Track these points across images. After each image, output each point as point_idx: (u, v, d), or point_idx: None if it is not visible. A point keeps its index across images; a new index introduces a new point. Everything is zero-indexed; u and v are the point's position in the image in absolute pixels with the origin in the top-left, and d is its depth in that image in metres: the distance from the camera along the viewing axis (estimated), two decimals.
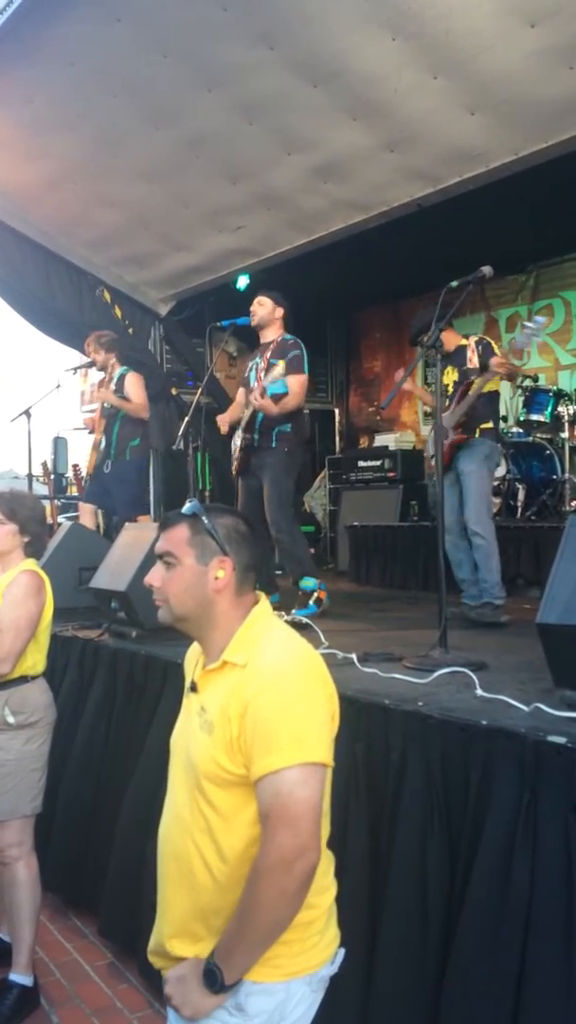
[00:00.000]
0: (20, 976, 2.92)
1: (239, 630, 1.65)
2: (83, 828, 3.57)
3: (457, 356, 4.76)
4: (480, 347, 4.69)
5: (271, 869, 1.42)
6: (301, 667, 1.58)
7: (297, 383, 4.64)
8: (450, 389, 4.79)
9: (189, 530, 1.69)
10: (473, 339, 4.78)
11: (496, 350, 4.66)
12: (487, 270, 3.41)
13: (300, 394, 4.65)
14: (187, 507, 1.72)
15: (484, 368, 4.58)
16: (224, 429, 4.93)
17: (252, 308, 4.86)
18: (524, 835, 1.95)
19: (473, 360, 4.68)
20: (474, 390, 4.56)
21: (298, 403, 4.65)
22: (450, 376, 4.80)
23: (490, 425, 4.73)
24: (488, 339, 4.79)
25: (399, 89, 4.80)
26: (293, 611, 4.27)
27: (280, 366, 4.52)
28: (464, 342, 4.79)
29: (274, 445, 4.68)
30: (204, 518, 1.69)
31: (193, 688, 1.71)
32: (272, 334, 4.84)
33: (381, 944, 2.21)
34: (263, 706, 1.50)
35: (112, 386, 5.99)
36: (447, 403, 4.71)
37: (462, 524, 4.76)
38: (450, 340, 4.77)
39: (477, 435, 4.66)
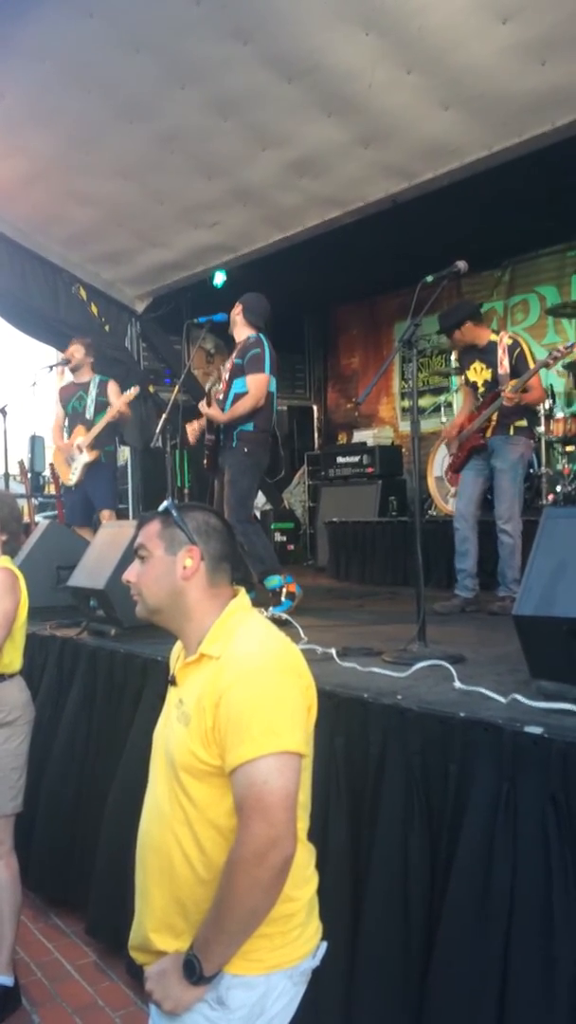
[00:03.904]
0: (1, 977, 2.91)
1: (216, 623, 1.67)
2: (66, 828, 3.56)
3: (488, 352, 4.74)
4: (512, 353, 4.65)
5: (245, 859, 1.42)
6: (275, 658, 1.59)
7: (255, 383, 4.57)
8: (480, 387, 4.79)
9: (160, 524, 1.75)
10: (507, 339, 4.73)
11: (530, 362, 4.63)
12: (461, 265, 3.42)
13: (257, 395, 4.56)
14: (162, 505, 1.79)
15: (516, 375, 4.58)
16: (192, 439, 4.92)
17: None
18: (504, 825, 1.96)
19: (504, 364, 4.65)
20: (495, 405, 4.60)
21: (255, 404, 4.56)
22: (481, 374, 4.78)
23: (524, 423, 4.74)
24: (523, 346, 4.72)
25: (373, 85, 4.82)
26: (270, 608, 4.27)
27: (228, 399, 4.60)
28: (494, 338, 4.77)
29: (234, 445, 4.65)
30: (174, 512, 1.75)
31: (172, 682, 1.73)
32: (240, 333, 4.79)
33: (364, 937, 2.22)
34: (236, 697, 1.51)
35: (93, 391, 6.00)
36: (478, 403, 4.77)
37: (477, 516, 4.78)
38: (480, 335, 4.78)
39: (511, 432, 4.68)
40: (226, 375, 4.73)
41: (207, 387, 4.86)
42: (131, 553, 1.79)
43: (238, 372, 4.65)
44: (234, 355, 4.75)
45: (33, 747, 3.06)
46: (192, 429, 4.88)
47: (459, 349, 5.08)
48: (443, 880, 2.08)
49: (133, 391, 5.93)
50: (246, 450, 4.63)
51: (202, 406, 4.69)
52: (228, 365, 4.78)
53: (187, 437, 4.98)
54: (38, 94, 5.29)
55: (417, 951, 2.10)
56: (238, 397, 4.60)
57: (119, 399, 5.91)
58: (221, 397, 4.70)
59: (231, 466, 4.65)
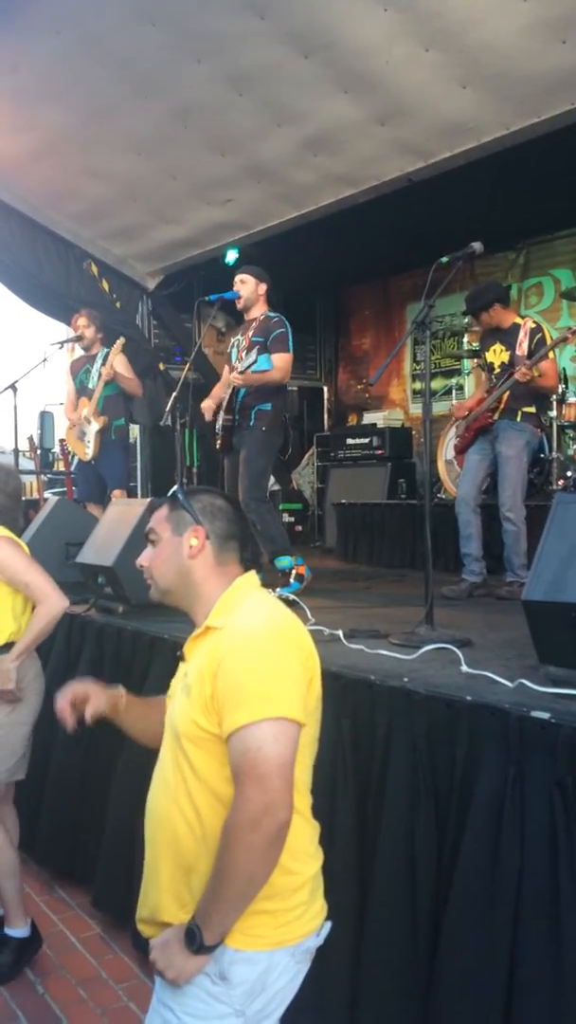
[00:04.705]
0: (15, 930, 2.99)
1: (221, 597, 1.71)
2: (73, 803, 3.58)
3: (509, 335, 4.73)
4: (533, 337, 4.65)
5: (240, 825, 1.44)
6: (275, 629, 1.61)
7: (281, 361, 4.58)
8: (496, 368, 4.78)
9: (168, 508, 1.82)
10: (530, 323, 4.74)
11: (547, 341, 4.63)
12: (477, 246, 3.39)
13: (283, 370, 4.59)
14: (171, 492, 1.86)
15: (530, 358, 4.58)
16: (208, 416, 4.89)
17: (235, 287, 4.79)
18: (511, 809, 1.97)
19: (523, 346, 4.65)
20: (508, 383, 4.59)
21: (281, 378, 4.60)
22: (499, 355, 4.78)
23: (532, 409, 4.72)
24: (544, 331, 4.72)
25: (391, 62, 4.76)
26: (278, 588, 4.27)
27: (252, 355, 4.50)
28: (518, 321, 4.77)
29: (252, 424, 4.63)
30: (180, 495, 1.81)
31: (182, 657, 1.76)
32: (256, 311, 4.77)
33: (370, 919, 2.23)
34: (234, 665, 1.53)
35: (99, 362, 5.99)
36: (491, 385, 4.76)
37: (479, 500, 4.78)
38: (506, 318, 4.79)
39: (519, 418, 4.66)
40: (243, 354, 4.69)
41: (229, 367, 4.82)
42: (140, 531, 1.84)
43: (261, 350, 4.61)
44: (251, 332, 4.70)
45: (41, 721, 3.08)
46: (208, 407, 4.86)
47: (483, 331, 5.07)
48: (450, 863, 2.09)
49: (119, 342, 5.87)
50: (264, 429, 4.63)
51: (233, 378, 4.63)
52: (244, 342, 4.73)
53: (202, 415, 4.96)
54: (52, 68, 5.24)
55: (423, 934, 2.11)
56: (259, 374, 4.58)
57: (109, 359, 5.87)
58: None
59: (248, 445, 4.63)
